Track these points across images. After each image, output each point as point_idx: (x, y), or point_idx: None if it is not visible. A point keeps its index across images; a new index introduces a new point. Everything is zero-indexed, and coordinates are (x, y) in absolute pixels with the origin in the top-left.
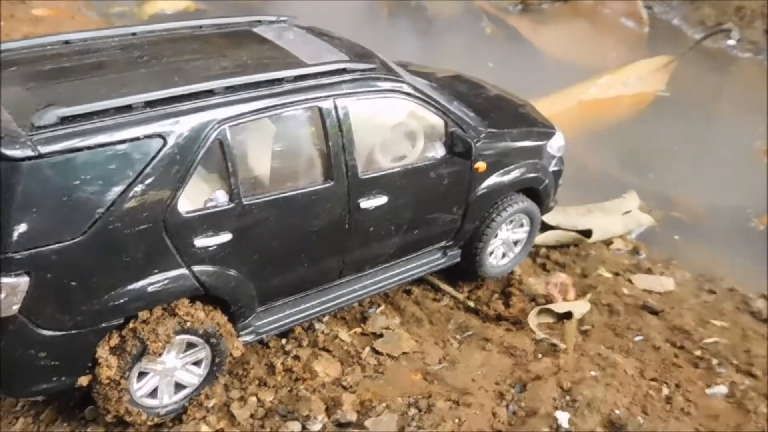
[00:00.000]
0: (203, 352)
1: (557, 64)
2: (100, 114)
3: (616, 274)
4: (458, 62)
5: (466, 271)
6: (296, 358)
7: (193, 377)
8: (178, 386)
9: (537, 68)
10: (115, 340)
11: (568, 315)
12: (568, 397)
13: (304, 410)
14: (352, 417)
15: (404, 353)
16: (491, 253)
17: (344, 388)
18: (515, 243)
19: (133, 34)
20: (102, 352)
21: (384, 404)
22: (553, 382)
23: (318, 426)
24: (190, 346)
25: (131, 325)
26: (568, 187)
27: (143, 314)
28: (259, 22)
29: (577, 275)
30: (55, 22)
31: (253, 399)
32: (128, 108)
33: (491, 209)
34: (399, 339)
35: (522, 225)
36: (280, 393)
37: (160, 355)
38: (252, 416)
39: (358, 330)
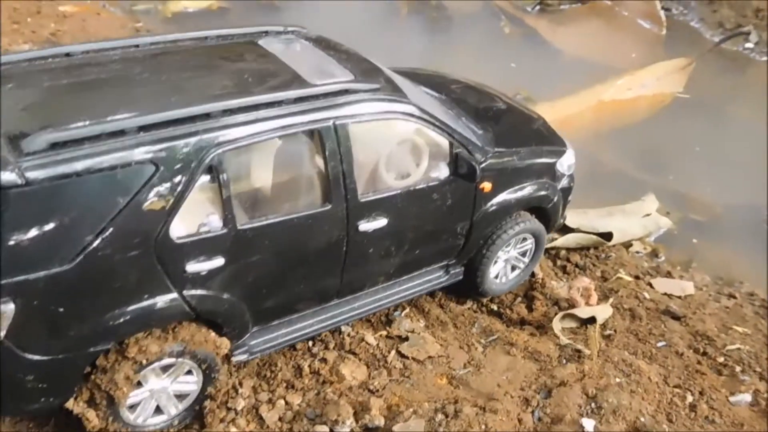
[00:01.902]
0: (186, 366)
1: (576, 65)
2: (91, 139)
3: (636, 277)
4: (479, 62)
5: (468, 287)
6: (323, 360)
7: (189, 385)
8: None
9: (557, 68)
10: (85, 395)
11: (591, 320)
12: (593, 404)
13: (333, 414)
14: (380, 422)
15: (429, 357)
16: (495, 272)
17: (371, 391)
18: (520, 261)
19: (136, 46)
20: (78, 408)
21: (411, 409)
22: (578, 388)
23: (346, 430)
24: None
25: (93, 377)
26: (586, 187)
27: (101, 361)
28: (266, 33)
29: (598, 278)
30: (81, 19)
31: (281, 402)
32: (121, 132)
33: (496, 228)
34: (424, 342)
35: (526, 248)
36: (307, 396)
37: (139, 385)
38: (280, 419)
39: (384, 333)
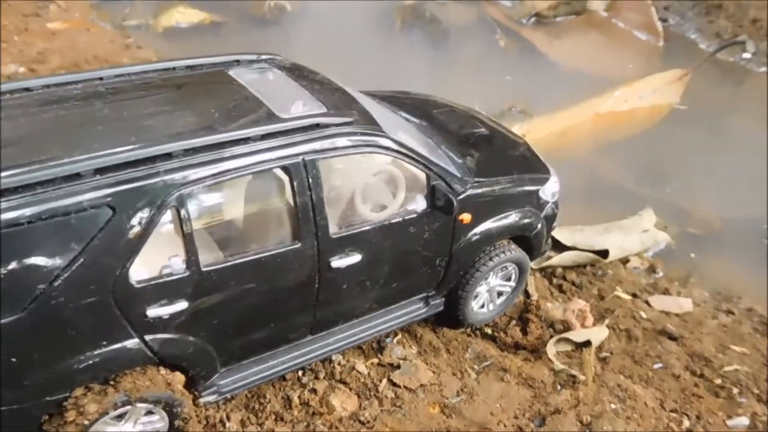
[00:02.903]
0: (142, 410)
1: (572, 77)
2: (45, 184)
3: (634, 295)
4: (475, 75)
5: (450, 318)
6: (313, 391)
7: (156, 424)
8: None
9: (553, 81)
10: None
11: (586, 343)
12: None
13: None
14: None
15: (422, 385)
16: (476, 300)
17: (362, 423)
18: (505, 287)
19: (100, 78)
20: None
21: None
22: (572, 415)
23: None
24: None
25: None
26: (583, 200)
27: (47, 426)
28: (237, 62)
29: (594, 296)
30: (70, 36)
31: None
32: (77, 176)
33: (477, 259)
34: (416, 370)
35: (510, 274)
36: (296, 428)
37: None
38: None
39: (375, 361)
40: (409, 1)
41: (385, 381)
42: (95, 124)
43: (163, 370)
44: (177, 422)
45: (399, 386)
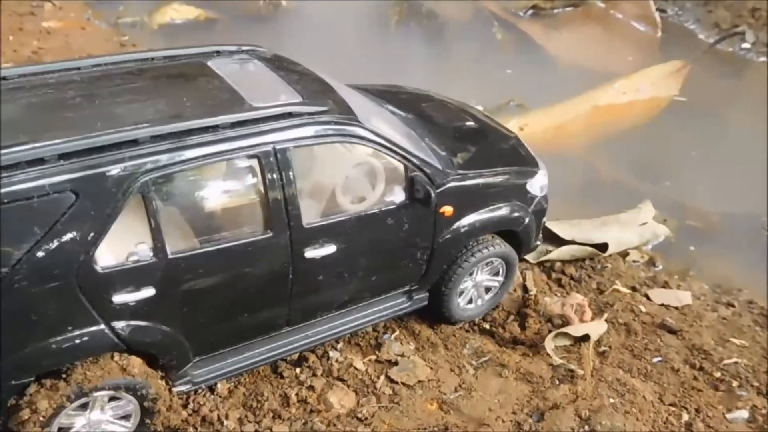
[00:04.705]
0: (105, 397)
1: (570, 70)
2: (9, 168)
3: (633, 288)
4: (472, 70)
5: (435, 313)
6: (311, 388)
7: (127, 406)
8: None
9: (550, 74)
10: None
11: (585, 337)
12: (586, 427)
13: None
14: None
15: (419, 381)
16: (463, 296)
17: (360, 420)
18: (494, 281)
19: (78, 68)
20: None
21: None
22: (571, 410)
23: None
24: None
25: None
26: (581, 194)
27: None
28: (218, 53)
29: (593, 290)
30: (65, 35)
31: None
32: (40, 161)
33: (461, 253)
34: (414, 366)
35: (497, 269)
36: (294, 426)
37: None
38: None
39: (373, 357)
40: None
41: (382, 377)
42: (65, 111)
43: (117, 357)
44: (146, 404)
45: (397, 383)
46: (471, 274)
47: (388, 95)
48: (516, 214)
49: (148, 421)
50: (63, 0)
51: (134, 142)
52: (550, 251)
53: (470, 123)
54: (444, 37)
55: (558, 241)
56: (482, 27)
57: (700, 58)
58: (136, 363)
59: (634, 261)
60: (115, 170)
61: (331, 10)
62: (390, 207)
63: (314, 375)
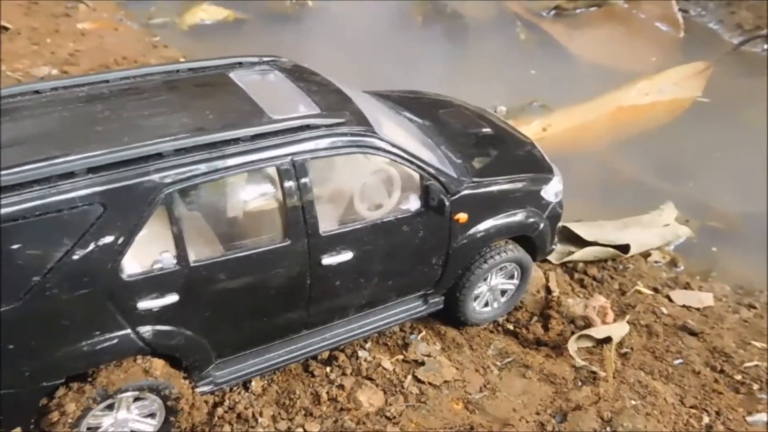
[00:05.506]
0: (130, 398)
1: (592, 70)
2: (41, 182)
3: (655, 290)
4: (498, 70)
5: (450, 316)
6: (341, 387)
7: (152, 405)
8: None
9: (573, 74)
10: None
11: (607, 339)
12: (608, 428)
13: None
14: None
15: (445, 381)
16: (478, 300)
17: (388, 418)
18: (509, 284)
19: (106, 81)
20: None
21: None
22: (593, 412)
23: None
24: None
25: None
26: (603, 195)
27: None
28: (240, 64)
29: (616, 291)
30: (99, 36)
31: (300, 430)
32: (71, 174)
33: (476, 258)
34: (440, 366)
35: (512, 272)
36: (325, 423)
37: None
38: None
39: (400, 357)
40: None
41: (410, 377)
42: (94, 125)
43: (140, 360)
44: (169, 403)
45: (423, 382)
46: (485, 279)
47: (406, 101)
48: (531, 221)
49: (172, 418)
50: (96, 0)
51: (159, 156)
52: (573, 252)
53: (486, 129)
54: (468, 37)
55: (581, 242)
56: (506, 27)
57: (722, 59)
58: (158, 365)
59: (656, 262)
60: (140, 183)
61: (356, 9)
62: (405, 215)
63: (344, 374)
